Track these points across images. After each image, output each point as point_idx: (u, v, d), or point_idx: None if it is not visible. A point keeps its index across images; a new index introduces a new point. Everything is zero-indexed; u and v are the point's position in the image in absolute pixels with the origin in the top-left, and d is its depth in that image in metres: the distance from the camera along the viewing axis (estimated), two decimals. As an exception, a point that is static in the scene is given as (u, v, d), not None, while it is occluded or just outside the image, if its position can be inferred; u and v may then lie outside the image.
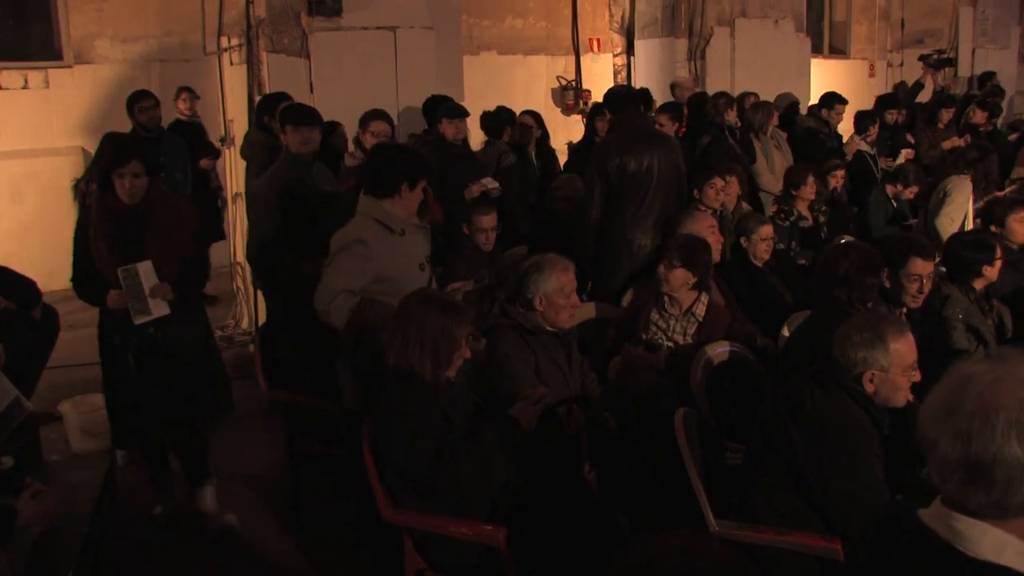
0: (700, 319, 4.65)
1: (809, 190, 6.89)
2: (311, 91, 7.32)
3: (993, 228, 5.63)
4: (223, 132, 7.93)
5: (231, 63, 7.63)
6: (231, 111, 7.77)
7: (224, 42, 7.65)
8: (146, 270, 4.28)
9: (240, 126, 7.43)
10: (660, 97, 9.77)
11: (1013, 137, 11.19)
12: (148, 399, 4.43)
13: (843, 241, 5.56)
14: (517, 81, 10.99)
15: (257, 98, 7.18)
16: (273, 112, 6.22)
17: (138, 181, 4.23)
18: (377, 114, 6.40)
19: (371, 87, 7.39)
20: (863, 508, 3.06)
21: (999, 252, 4.80)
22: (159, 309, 4.33)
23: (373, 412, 3.49)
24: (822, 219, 7.08)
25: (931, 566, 1.74)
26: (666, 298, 4.71)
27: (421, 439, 3.26)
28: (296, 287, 4.73)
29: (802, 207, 6.88)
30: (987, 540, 1.70)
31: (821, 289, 4.20)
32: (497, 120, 7.71)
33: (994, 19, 14.18)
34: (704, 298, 4.69)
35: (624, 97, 6.23)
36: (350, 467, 3.98)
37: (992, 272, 4.77)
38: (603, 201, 5.65)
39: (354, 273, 4.09)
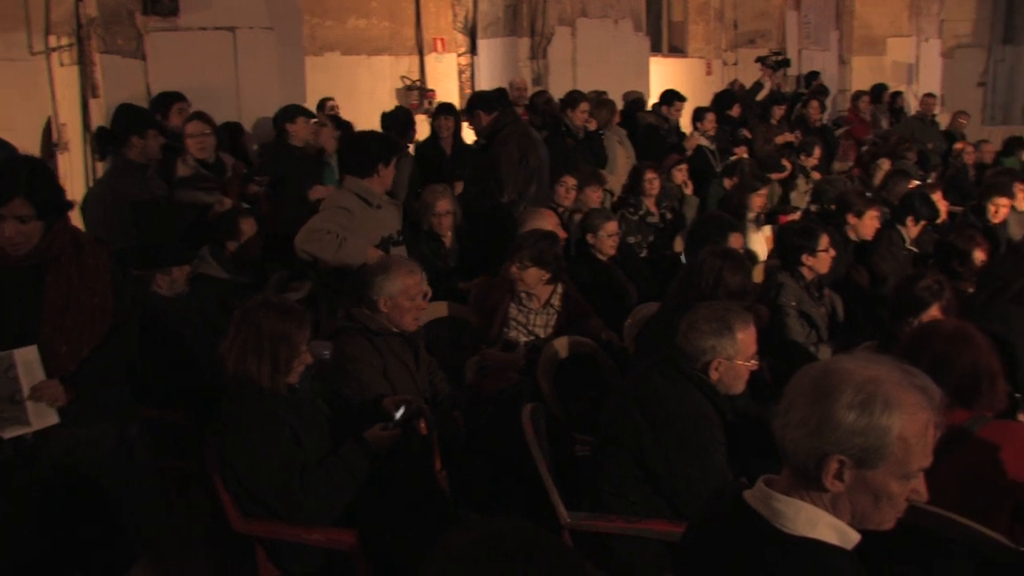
0: (559, 309, 4.72)
1: (651, 186, 7.08)
2: (148, 93, 7.11)
3: (850, 219, 5.97)
4: (55, 137, 7.60)
5: (61, 64, 7.30)
6: (63, 115, 7.44)
7: (52, 41, 7.32)
8: (27, 359, 3.03)
9: (74, 130, 7.13)
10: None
11: (839, 132, 11.79)
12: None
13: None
14: (361, 82, 10.91)
15: (92, 101, 6.93)
16: (166, 112, 6.06)
17: (24, 227, 3.05)
18: (193, 116, 6.29)
19: (211, 89, 7.22)
20: (707, 494, 3.15)
21: (825, 242, 5.05)
22: (43, 418, 3.07)
23: (214, 423, 3.41)
24: (668, 215, 7.29)
25: (751, 543, 1.83)
26: (523, 293, 4.76)
27: (265, 460, 3.20)
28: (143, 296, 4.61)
29: (649, 203, 7.07)
30: (802, 516, 1.80)
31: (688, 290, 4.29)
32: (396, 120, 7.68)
33: (815, 23, 14.91)
34: (560, 288, 4.77)
35: (498, 98, 6.43)
36: (198, 479, 3.89)
37: (820, 262, 5.01)
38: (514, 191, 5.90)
39: (334, 222, 4.74)
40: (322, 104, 8.88)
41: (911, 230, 6.33)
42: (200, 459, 3.64)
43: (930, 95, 13.18)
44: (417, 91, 11.31)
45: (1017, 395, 4.28)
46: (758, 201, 6.72)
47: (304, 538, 3.29)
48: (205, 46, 7.37)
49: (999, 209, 6.99)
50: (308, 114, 7.26)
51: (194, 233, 5.45)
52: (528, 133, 6.41)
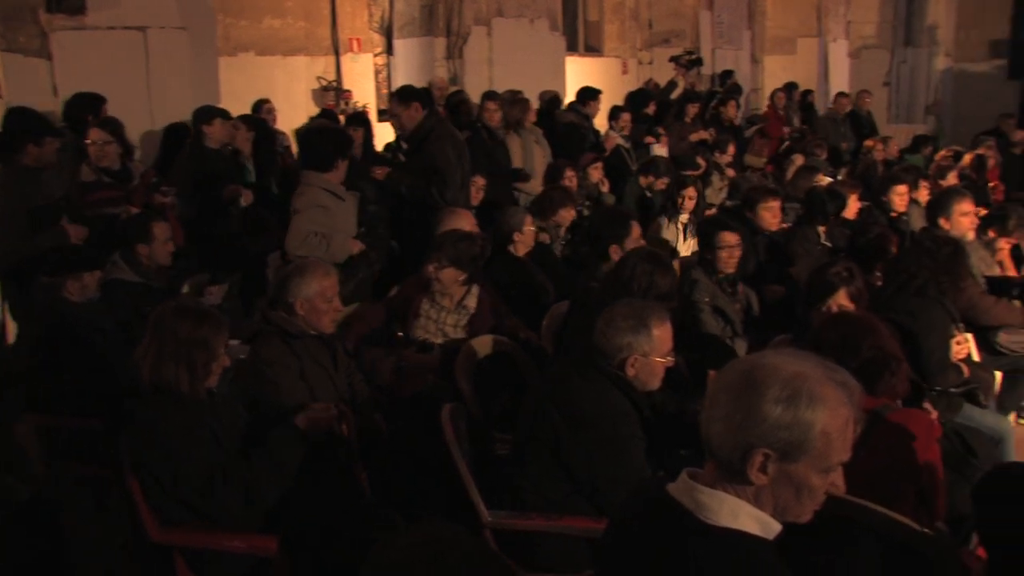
0: (472, 311, 4.73)
1: (569, 184, 7.13)
2: (55, 94, 6.94)
3: (748, 213, 6.09)
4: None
5: (-42, 62, 7.10)
6: (-36, 114, 7.23)
7: (-52, 38, 7.11)
8: None
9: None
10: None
11: (750, 131, 12.02)
12: None
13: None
14: (277, 82, 10.77)
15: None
16: (97, 112, 5.91)
17: None
18: (99, 122, 6.22)
19: (121, 90, 7.08)
20: (628, 489, 3.19)
21: (726, 239, 5.13)
22: None
23: (130, 428, 3.35)
24: (586, 212, 7.34)
25: (674, 535, 1.86)
26: (437, 292, 4.75)
27: (186, 463, 3.15)
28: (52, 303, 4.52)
29: None
30: (725, 508, 1.83)
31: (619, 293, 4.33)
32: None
33: (728, 23, 15.17)
34: (475, 290, 4.77)
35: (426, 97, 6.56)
36: (115, 488, 3.82)
37: (728, 258, 5.10)
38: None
39: (316, 222, 5.10)
40: (259, 106, 8.78)
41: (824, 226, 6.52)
42: (117, 466, 3.57)
43: (843, 94, 13.49)
44: (333, 92, 11.22)
45: (924, 384, 4.46)
46: (689, 201, 6.80)
47: (225, 545, 3.25)
48: (114, 46, 7.23)
49: (899, 198, 7.24)
50: (224, 115, 7.17)
51: (106, 238, 5.35)
52: (455, 134, 6.52)
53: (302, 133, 6.40)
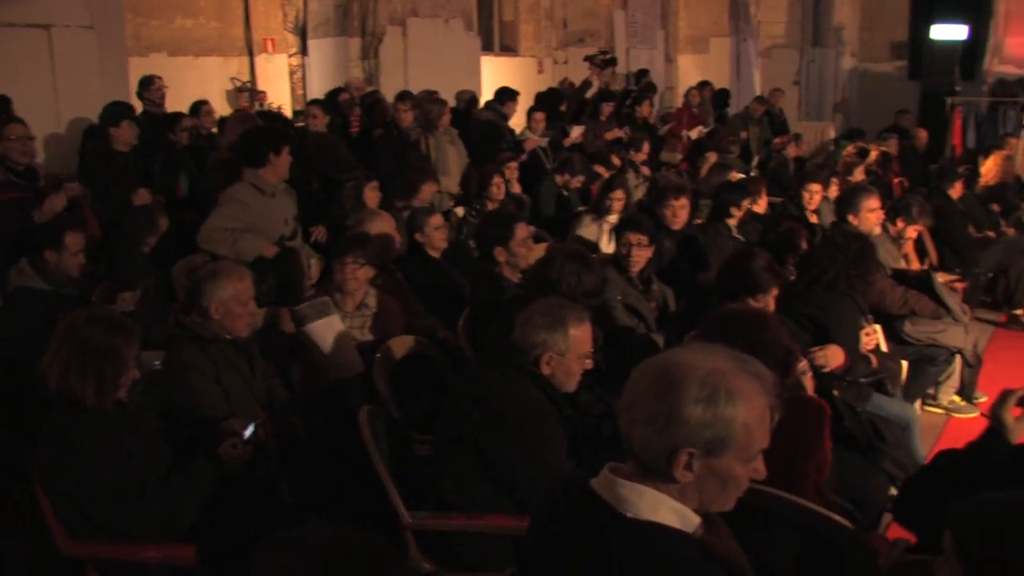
0: (374, 310, 4.70)
1: (498, 190, 7.14)
2: (-49, 93, 6.73)
3: (656, 211, 6.17)
4: None
5: None
6: None
7: None
8: None
9: None
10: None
11: (664, 129, 12.18)
12: None
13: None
14: (189, 83, 10.62)
15: None
16: (6, 112, 5.76)
17: None
18: (9, 119, 6.06)
19: (25, 89, 6.89)
20: (548, 487, 3.21)
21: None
22: None
23: (38, 440, 3.26)
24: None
25: (595, 529, 1.87)
26: (337, 294, 4.69)
27: (96, 477, 3.07)
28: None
29: (492, 207, 7.12)
30: (645, 501, 1.86)
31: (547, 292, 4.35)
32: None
33: (642, 22, 15.35)
34: (373, 290, 4.75)
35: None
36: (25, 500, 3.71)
37: (637, 256, 5.16)
38: None
39: (230, 218, 5.19)
40: (197, 108, 8.62)
41: (735, 218, 6.65)
42: (27, 479, 3.48)
43: (759, 99, 13.72)
44: (248, 93, 11.08)
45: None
46: (618, 203, 6.86)
47: (140, 556, 3.18)
48: (17, 44, 7.02)
49: (813, 195, 7.42)
50: (133, 116, 7.03)
51: (16, 244, 5.20)
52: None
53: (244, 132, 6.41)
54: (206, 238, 5.22)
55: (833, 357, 4.34)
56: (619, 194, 6.85)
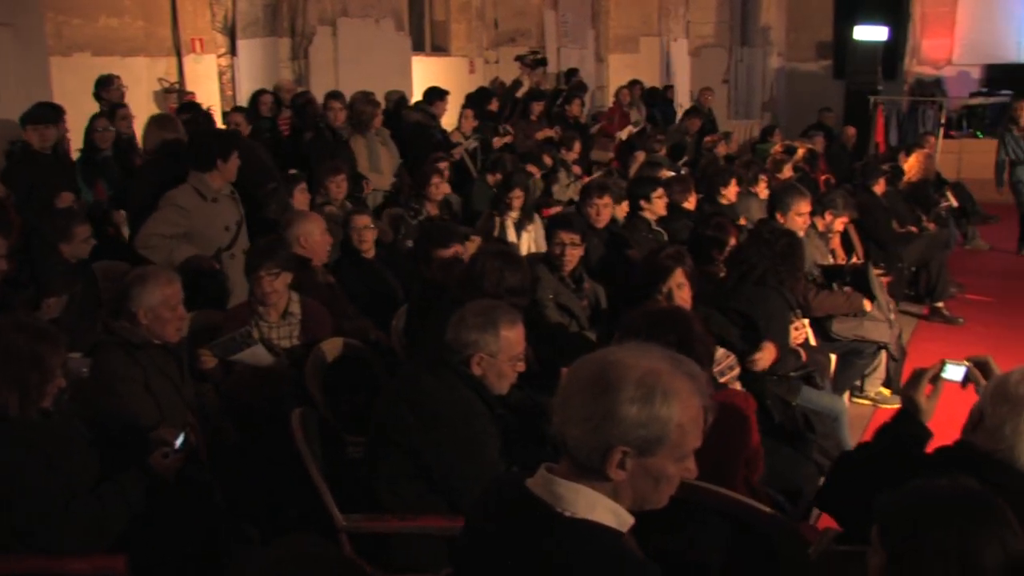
0: (300, 316, 4.62)
1: (436, 190, 7.13)
2: None
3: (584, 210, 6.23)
4: None
5: None
6: None
7: None
8: None
9: None
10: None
11: (595, 128, 12.27)
12: None
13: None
14: (115, 84, 10.43)
15: None
16: None
17: None
18: None
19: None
20: (482, 487, 3.21)
21: (564, 237, 5.19)
22: None
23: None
24: (446, 216, 7.35)
25: (531, 527, 1.88)
26: (259, 306, 4.57)
27: (17, 491, 3.00)
28: None
29: (431, 207, 7.12)
30: (582, 500, 1.86)
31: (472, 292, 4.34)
32: None
33: (573, 22, 15.42)
34: (295, 296, 4.67)
35: None
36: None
37: (569, 255, 5.20)
38: None
39: (169, 223, 5.17)
40: (112, 111, 8.42)
41: (654, 209, 6.73)
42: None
43: (694, 112, 13.86)
44: (176, 94, 10.90)
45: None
46: (517, 200, 6.90)
47: (67, 568, 3.11)
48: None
49: (728, 191, 7.61)
50: (54, 118, 6.86)
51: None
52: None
53: (191, 135, 6.35)
54: (143, 244, 5.17)
55: (767, 357, 4.39)
56: (517, 192, 6.88)
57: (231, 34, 11.09)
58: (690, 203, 7.36)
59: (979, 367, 2.98)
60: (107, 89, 8.27)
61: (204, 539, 3.36)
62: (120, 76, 8.38)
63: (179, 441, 3.42)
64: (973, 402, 2.81)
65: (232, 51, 11.13)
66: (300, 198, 6.43)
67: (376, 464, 3.45)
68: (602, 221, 6.22)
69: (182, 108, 8.27)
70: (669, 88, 14.79)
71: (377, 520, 3.37)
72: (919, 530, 2.04)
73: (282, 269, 4.53)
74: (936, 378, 2.95)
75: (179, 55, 11.18)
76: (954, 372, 2.97)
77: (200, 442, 3.81)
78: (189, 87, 11.05)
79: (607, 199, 6.20)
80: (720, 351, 3.96)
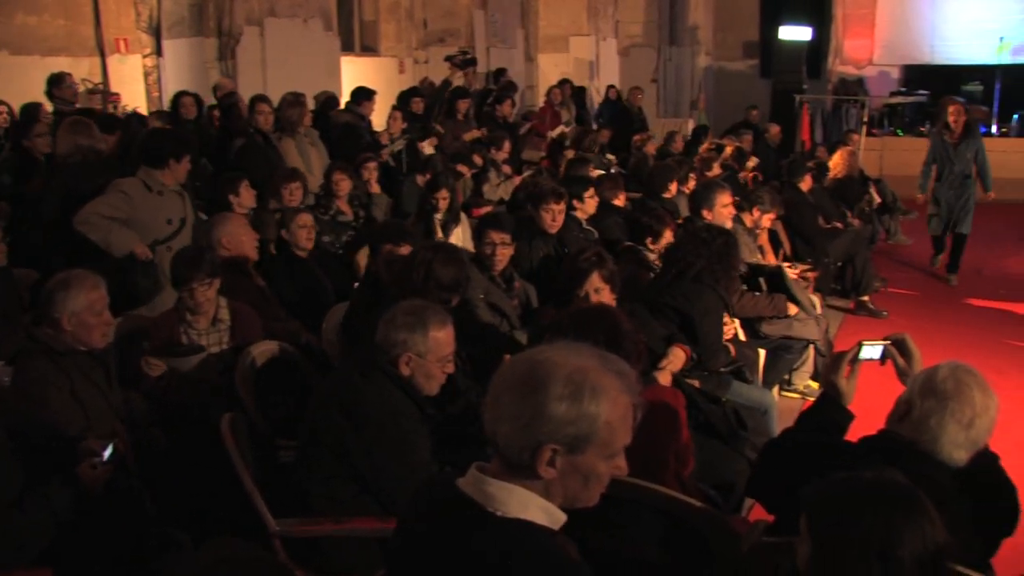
0: (229, 322, 4.55)
1: (339, 187, 7.09)
2: None
3: (530, 209, 6.21)
4: None
5: None
6: None
7: None
8: None
9: None
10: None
11: (525, 128, 12.30)
12: None
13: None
14: (35, 84, 10.17)
15: None
16: None
17: None
18: None
19: None
20: (414, 487, 3.20)
21: (494, 236, 5.19)
22: None
23: None
24: (362, 213, 7.32)
25: (464, 527, 1.87)
26: (188, 314, 4.48)
27: None
28: None
29: (340, 204, 7.08)
30: (514, 499, 1.86)
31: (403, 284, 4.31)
32: None
33: (502, 22, 15.46)
34: (224, 301, 4.59)
35: None
36: None
37: (500, 255, 5.20)
38: None
39: (111, 206, 5.32)
40: (32, 112, 8.21)
41: (586, 209, 6.77)
42: None
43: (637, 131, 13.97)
44: (100, 95, 10.69)
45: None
46: (443, 201, 6.89)
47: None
48: None
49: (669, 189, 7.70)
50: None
51: None
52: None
53: (148, 133, 6.49)
54: (83, 220, 5.26)
55: (676, 360, 4.36)
56: (443, 193, 6.87)
57: (156, 34, 10.91)
58: (620, 200, 7.42)
59: (896, 345, 3.07)
60: (59, 87, 8.06)
61: (133, 548, 3.30)
62: (71, 74, 8.16)
63: (107, 452, 3.36)
64: (891, 389, 2.90)
65: (158, 51, 10.95)
66: (246, 195, 6.31)
67: (308, 467, 3.42)
68: (556, 227, 6.08)
69: (103, 123, 8.08)
70: (582, 90, 14.89)
71: (310, 524, 3.34)
72: (844, 520, 2.08)
73: (213, 277, 4.47)
74: (854, 359, 3.03)
75: (103, 55, 10.97)
76: (871, 352, 3.05)
77: (128, 450, 3.73)
78: (114, 88, 10.86)
79: (563, 205, 6.12)
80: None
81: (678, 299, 4.81)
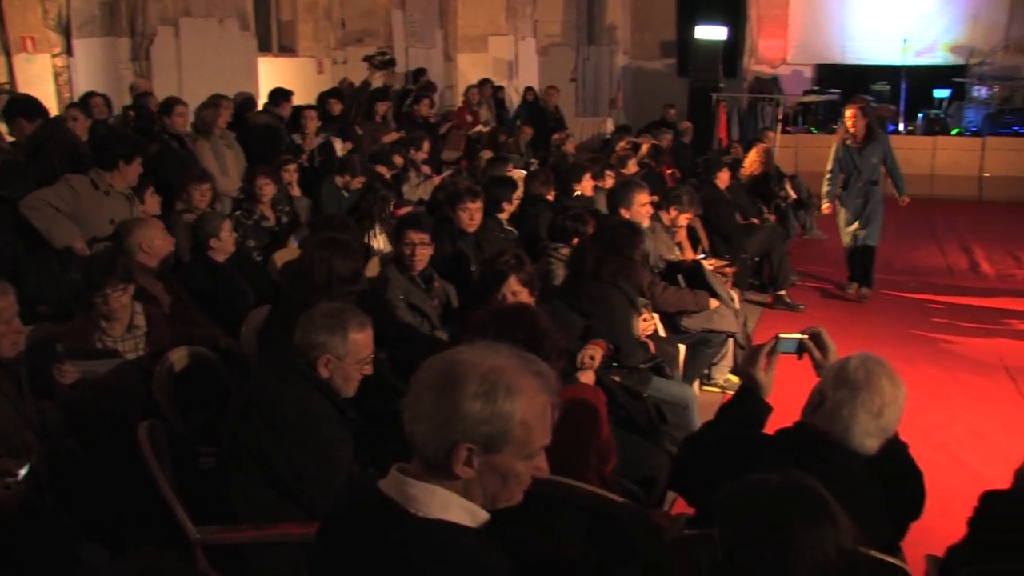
0: (145, 328, 4.48)
1: (262, 191, 7.02)
2: None
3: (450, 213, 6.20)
4: None
5: None
6: None
7: None
8: None
9: None
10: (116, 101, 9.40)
11: (445, 127, 12.31)
12: None
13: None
14: (-65, 85, 9.88)
15: None
16: None
17: None
18: None
19: None
20: (335, 490, 3.18)
21: (414, 236, 5.18)
22: None
23: None
24: (284, 218, 7.24)
25: (385, 529, 1.87)
26: (102, 321, 4.40)
27: None
28: None
29: (264, 208, 7.00)
30: (435, 500, 1.87)
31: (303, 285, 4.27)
32: None
33: (420, 22, 15.41)
34: (138, 306, 4.52)
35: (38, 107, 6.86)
36: None
37: (419, 256, 5.19)
38: None
39: (59, 197, 5.52)
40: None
41: (510, 209, 6.80)
42: None
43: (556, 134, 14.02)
44: (6, 95, 10.37)
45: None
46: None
47: None
48: None
49: (580, 187, 7.77)
50: None
51: None
52: (78, 143, 6.87)
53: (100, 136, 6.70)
54: (30, 205, 5.43)
55: (596, 357, 4.37)
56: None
57: (66, 33, 10.63)
58: (550, 195, 7.47)
59: (812, 338, 3.14)
60: None
61: (49, 565, 3.23)
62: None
63: (23, 471, 3.27)
64: (809, 381, 2.96)
65: (68, 51, 10.67)
66: (151, 202, 6.21)
67: (229, 473, 3.38)
68: (474, 226, 6.10)
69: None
70: (501, 89, 14.94)
71: (231, 531, 3.31)
72: (750, 523, 2.11)
73: (127, 282, 4.38)
74: (772, 352, 3.10)
75: (8, 54, 10.66)
76: (788, 345, 3.12)
77: (41, 461, 3.63)
78: (21, 88, 10.54)
79: (479, 203, 6.12)
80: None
81: (583, 301, 4.81)
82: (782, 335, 3.15)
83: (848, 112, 8.87)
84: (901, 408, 2.79)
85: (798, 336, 3.15)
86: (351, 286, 4.23)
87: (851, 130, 8.74)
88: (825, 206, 9.43)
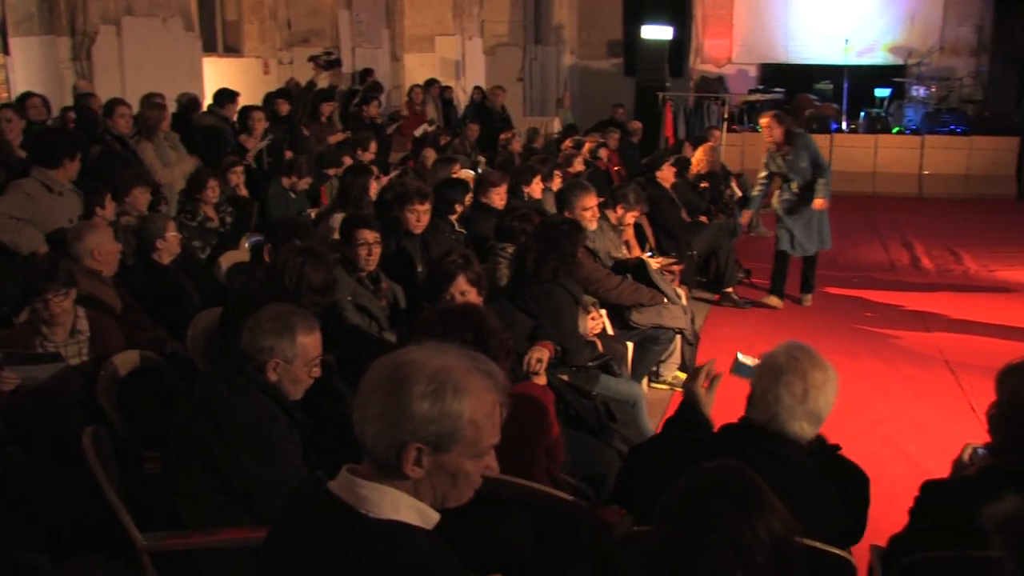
0: (88, 333, 4.42)
1: (211, 193, 6.96)
2: None
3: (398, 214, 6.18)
4: None
5: None
6: None
7: None
8: None
9: None
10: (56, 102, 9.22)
11: (391, 128, 12.28)
12: None
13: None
14: None
15: None
16: None
17: None
18: None
19: None
20: (284, 494, 3.16)
21: (364, 236, 5.19)
22: None
23: None
24: (228, 219, 7.18)
25: (335, 530, 1.87)
26: (43, 326, 4.32)
27: None
28: None
29: (207, 210, 6.94)
30: (386, 501, 1.86)
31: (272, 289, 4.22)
32: None
33: (367, 22, 15.34)
34: (81, 311, 4.45)
35: None
36: None
37: (368, 255, 5.18)
38: None
39: (16, 206, 5.53)
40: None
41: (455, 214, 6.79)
42: None
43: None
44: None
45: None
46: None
47: None
48: None
49: (534, 187, 7.79)
50: None
51: None
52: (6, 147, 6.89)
53: (42, 133, 6.60)
54: None
55: (542, 356, 4.32)
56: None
57: (2, 31, 10.41)
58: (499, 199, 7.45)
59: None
60: None
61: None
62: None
63: None
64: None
65: (4, 50, 10.46)
66: (110, 208, 6.09)
67: (175, 479, 3.35)
68: (420, 227, 6.07)
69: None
70: (448, 89, 14.94)
71: (179, 537, 3.27)
72: (682, 511, 2.14)
73: (68, 287, 4.31)
74: (712, 376, 3.19)
75: (-61, 53, 10.41)
76: (745, 371, 3.16)
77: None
78: (-46, 88, 10.31)
79: (428, 205, 6.08)
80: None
81: (527, 301, 4.82)
82: (741, 356, 3.21)
83: (763, 122, 8.79)
84: (831, 394, 2.82)
85: (752, 363, 3.13)
86: (319, 297, 4.19)
87: (768, 139, 8.68)
88: (746, 214, 9.59)
